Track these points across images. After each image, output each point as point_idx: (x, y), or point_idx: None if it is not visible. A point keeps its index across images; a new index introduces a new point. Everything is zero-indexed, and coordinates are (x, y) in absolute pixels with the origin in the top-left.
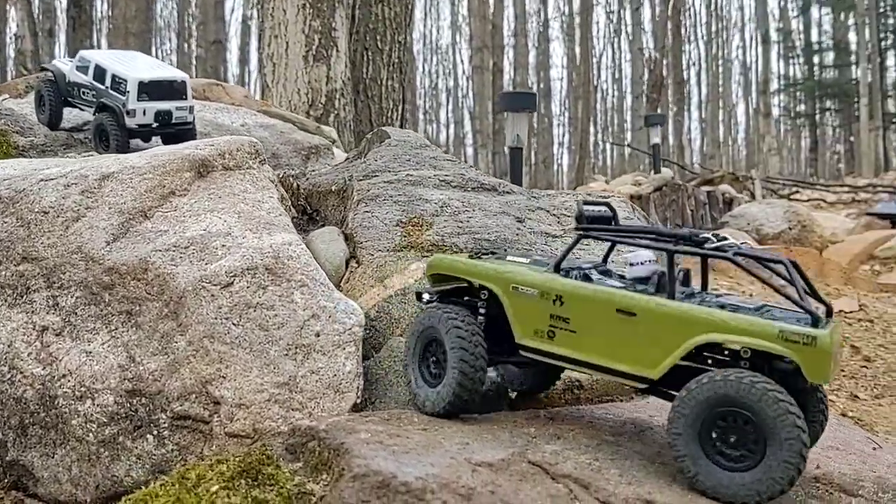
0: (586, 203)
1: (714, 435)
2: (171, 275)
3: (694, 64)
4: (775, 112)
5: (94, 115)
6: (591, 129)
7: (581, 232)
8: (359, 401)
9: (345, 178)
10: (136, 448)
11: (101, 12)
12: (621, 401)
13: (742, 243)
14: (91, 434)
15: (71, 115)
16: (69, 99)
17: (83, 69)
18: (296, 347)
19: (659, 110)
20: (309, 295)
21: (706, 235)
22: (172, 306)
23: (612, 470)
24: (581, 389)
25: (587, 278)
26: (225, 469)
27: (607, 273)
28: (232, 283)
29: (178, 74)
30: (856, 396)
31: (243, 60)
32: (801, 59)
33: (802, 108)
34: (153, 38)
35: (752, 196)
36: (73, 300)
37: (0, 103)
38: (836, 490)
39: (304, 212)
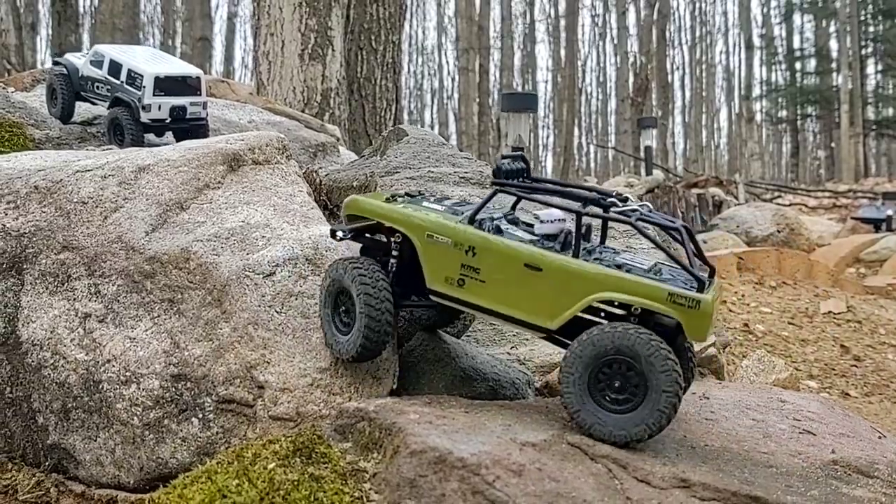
0: (504, 157)
1: (600, 380)
2: (214, 264)
3: (678, 68)
4: (758, 117)
5: (108, 109)
6: (576, 132)
7: (497, 187)
8: (394, 387)
9: (366, 174)
10: (182, 431)
11: (84, 7)
12: None
13: (643, 207)
14: (136, 417)
15: (80, 110)
16: (82, 93)
17: (98, 63)
18: None
19: (643, 114)
20: None
21: (613, 200)
22: (216, 294)
23: (646, 451)
24: None
25: (498, 230)
26: (278, 448)
27: (515, 222)
28: (274, 272)
29: (194, 70)
30: (847, 394)
31: (228, 58)
32: (784, 66)
33: (784, 113)
34: (139, 34)
35: (736, 199)
36: (115, 288)
37: (10, 95)
38: (854, 472)
39: (325, 207)
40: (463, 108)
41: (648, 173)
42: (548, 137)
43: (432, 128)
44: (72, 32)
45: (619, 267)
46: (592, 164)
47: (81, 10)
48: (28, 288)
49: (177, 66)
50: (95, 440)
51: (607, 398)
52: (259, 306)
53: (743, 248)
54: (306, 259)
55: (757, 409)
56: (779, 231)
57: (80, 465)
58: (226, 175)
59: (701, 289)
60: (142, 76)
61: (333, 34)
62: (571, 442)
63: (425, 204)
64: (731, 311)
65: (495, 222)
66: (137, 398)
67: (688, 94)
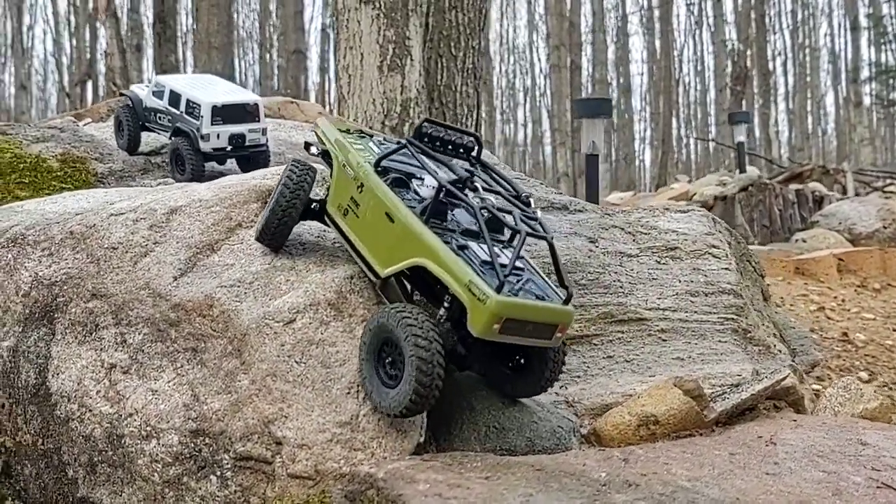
0: (429, 121)
1: (381, 358)
2: (236, 311)
3: (780, 54)
4: (866, 101)
5: (169, 139)
6: (674, 124)
7: (405, 141)
8: (422, 440)
9: None
10: (200, 489)
11: (186, 26)
12: (700, 435)
13: (529, 211)
14: (156, 474)
15: (149, 139)
16: (146, 124)
17: (159, 94)
18: (357, 385)
19: (744, 103)
20: None
21: (477, 185)
22: (236, 343)
23: None
24: (657, 424)
25: (401, 182)
26: None
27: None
28: (294, 319)
29: (251, 98)
30: None
31: (323, 69)
32: (893, 45)
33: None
34: (236, 50)
35: (844, 190)
36: (141, 337)
37: (81, 128)
38: None
39: None
40: (556, 106)
41: (741, 171)
42: (645, 130)
43: (525, 126)
44: (171, 52)
45: (462, 248)
46: (693, 157)
47: (182, 29)
48: (58, 338)
49: (235, 94)
50: (120, 495)
51: (386, 375)
52: (278, 356)
53: (844, 247)
54: (328, 304)
55: (830, 457)
56: (885, 227)
57: None
58: (259, 212)
59: (567, 301)
60: (199, 106)
61: (412, 44)
62: None
63: (369, 143)
64: (829, 318)
65: (402, 176)
66: (157, 454)
67: (791, 80)
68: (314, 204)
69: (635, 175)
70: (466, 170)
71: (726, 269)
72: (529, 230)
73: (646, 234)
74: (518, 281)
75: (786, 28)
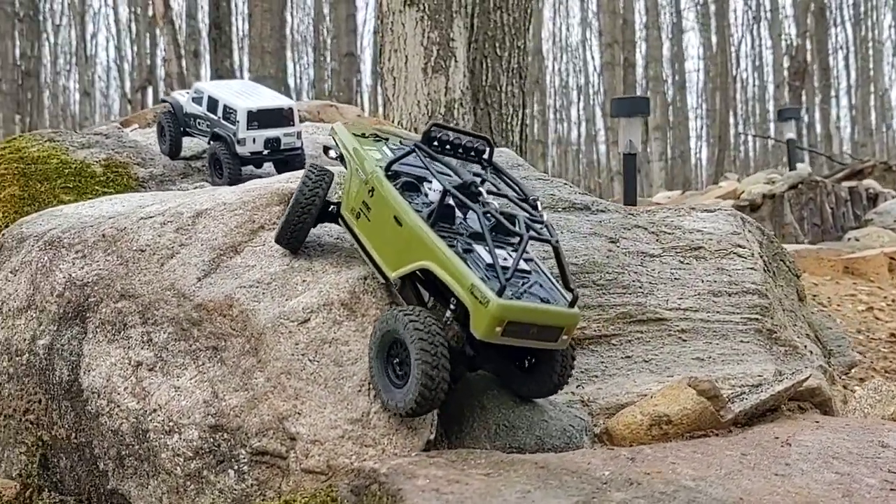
0: (437, 125)
1: (389, 359)
2: (253, 311)
3: (841, 48)
4: None
5: (208, 143)
6: (731, 121)
7: (415, 145)
8: (432, 437)
9: None
10: (219, 482)
11: (242, 31)
12: (716, 435)
13: (536, 215)
14: (178, 468)
15: (192, 143)
16: (187, 129)
17: (198, 100)
18: (369, 383)
19: (804, 98)
20: None
21: (481, 190)
22: (253, 342)
23: None
24: (669, 424)
25: (411, 186)
26: None
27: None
28: (309, 319)
29: (286, 102)
30: None
31: (376, 71)
32: None
33: None
34: (290, 54)
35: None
36: (165, 336)
37: (125, 134)
38: None
39: None
40: (609, 104)
41: (791, 168)
42: (701, 128)
43: (578, 125)
44: (226, 58)
45: (467, 251)
46: (751, 154)
47: (237, 34)
48: (90, 336)
49: (270, 99)
50: (147, 487)
51: (394, 375)
52: (293, 355)
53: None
54: (342, 304)
55: (846, 459)
56: None
57: None
58: (281, 215)
59: (573, 303)
60: (236, 111)
61: (456, 45)
62: None
63: (383, 147)
64: (877, 318)
65: (412, 180)
66: (179, 448)
67: (852, 74)
68: (331, 206)
69: (691, 174)
70: (475, 173)
71: (751, 268)
72: (534, 233)
73: (669, 233)
74: (523, 284)
75: (847, 21)
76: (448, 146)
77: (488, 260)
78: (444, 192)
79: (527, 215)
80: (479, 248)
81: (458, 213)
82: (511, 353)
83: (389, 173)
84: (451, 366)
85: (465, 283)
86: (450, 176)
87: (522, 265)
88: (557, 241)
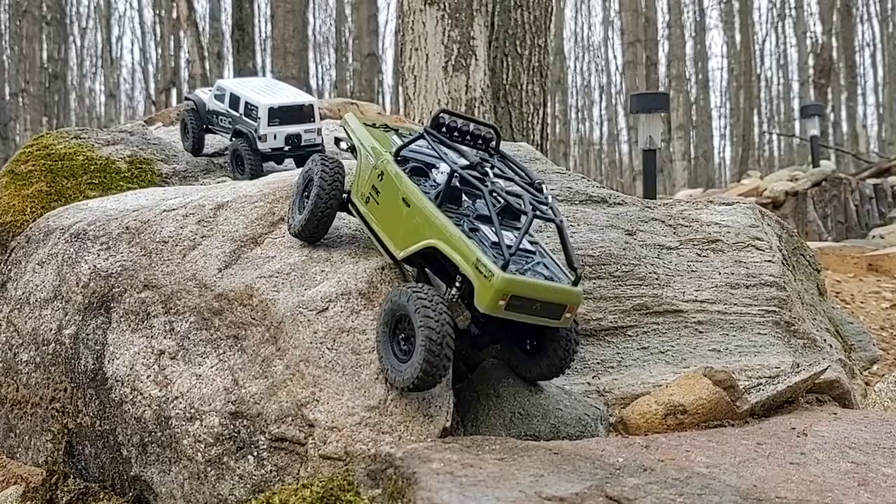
0: (446, 112)
1: (396, 334)
2: (273, 300)
3: (868, 45)
4: None
5: (230, 140)
6: (755, 119)
7: (424, 130)
8: (448, 424)
9: None
10: (239, 468)
11: (265, 32)
12: (731, 426)
13: (542, 196)
14: (199, 454)
15: (215, 140)
16: (209, 126)
17: (220, 98)
18: None
19: (829, 96)
20: None
21: (487, 170)
22: (273, 331)
23: None
24: (685, 414)
25: (420, 171)
26: (307, 494)
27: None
28: (327, 308)
29: (307, 99)
30: None
31: (397, 71)
32: None
33: None
34: (312, 55)
35: None
36: (187, 325)
37: (149, 131)
38: None
39: None
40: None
41: (815, 165)
42: (725, 127)
43: (601, 125)
44: (249, 59)
45: (473, 231)
46: (775, 153)
47: (260, 36)
48: (114, 326)
49: (291, 96)
50: (169, 474)
51: (399, 350)
52: (311, 343)
53: None
54: (360, 293)
55: (863, 449)
56: None
57: (157, 497)
58: (292, 208)
59: (576, 282)
60: (257, 108)
61: (476, 44)
62: (611, 495)
63: (392, 136)
64: None
65: (420, 164)
66: (200, 435)
67: (879, 71)
68: (343, 195)
69: (714, 173)
70: (482, 158)
71: (769, 261)
72: (539, 213)
73: (687, 226)
74: (527, 262)
75: (875, 17)
76: (456, 133)
77: (494, 239)
78: (452, 173)
79: (532, 196)
80: (485, 229)
81: (466, 200)
82: (514, 335)
83: (399, 158)
84: (457, 347)
85: (469, 258)
86: (457, 159)
87: (527, 245)
88: (562, 221)
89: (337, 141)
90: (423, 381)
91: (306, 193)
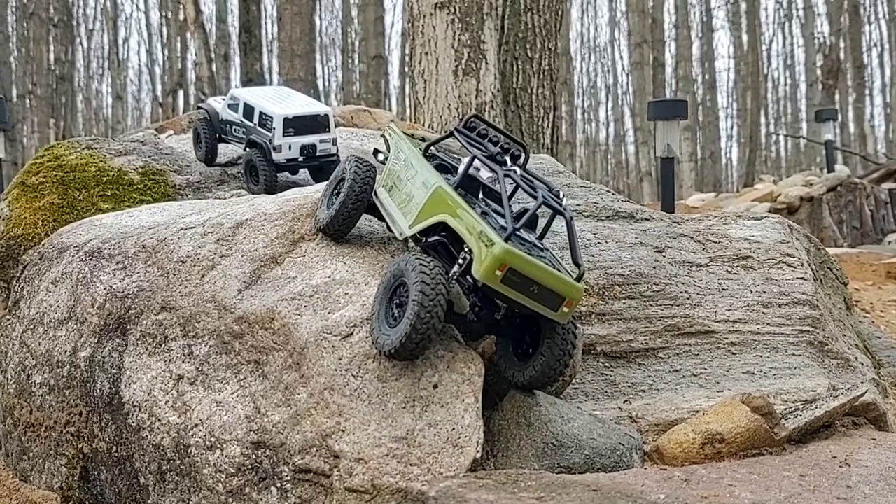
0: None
1: (391, 300)
2: (296, 325)
3: (876, 45)
4: None
5: (244, 150)
6: (762, 121)
7: (455, 129)
8: (478, 455)
9: None
10: (262, 500)
11: (272, 35)
12: (770, 454)
13: (551, 190)
14: (220, 484)
15: (227, 149)
16: (222, 136)
17: (234, 107)
18: (413, 400)
19: (837, 97)
20: None
21: (506, 159)
22: (296, 357)
23: None
24: (722, 443)
25: (444, 169)
26: None
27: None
28: (352, 333)
29: (322, 109)
30: None
31: (404, 73)
32: None
33: None
34: (319, 57)
35: None
36: (207, 349)
37: (161, 141)
38: None
39: None
40: (638, 104)
41: (829, 170)
42: (731, 128)
43: (607, 126)
44: (256, 61)
45: (484, 214)
46: (783, 154)
47: (267, 38)
48: (130, 349)
49: (306, 106)
50: (188, 503)
51: (392, 316)
52: (336, 370)
53: None
54: None
55: None
56: None
57: None
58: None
59: (579, 278)
60: (272, 118)
61: (486, 47)
62: None
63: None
64: None
65: (449, 162)
66: (221, 464)
67: (888, 72)
68: (372, 198)
69: (721, 174)
70: (506, 168)
71: (801, 278)
72: (550, 202)
73: (716, 242)
74: (533, 249)
75: (882, 18)
76: (485, 139)
77: (503, 223)
78: (472, 159)
79: (546, 188)
80: (497, 218)
81: (485, 200)
82: (510, 331)
83: (426, 155)
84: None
85: (474, 229)
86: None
87: (535, 240)
88: (572, 218)
89: (376, 152)
90: (406, 346)
91: (336, 191)
